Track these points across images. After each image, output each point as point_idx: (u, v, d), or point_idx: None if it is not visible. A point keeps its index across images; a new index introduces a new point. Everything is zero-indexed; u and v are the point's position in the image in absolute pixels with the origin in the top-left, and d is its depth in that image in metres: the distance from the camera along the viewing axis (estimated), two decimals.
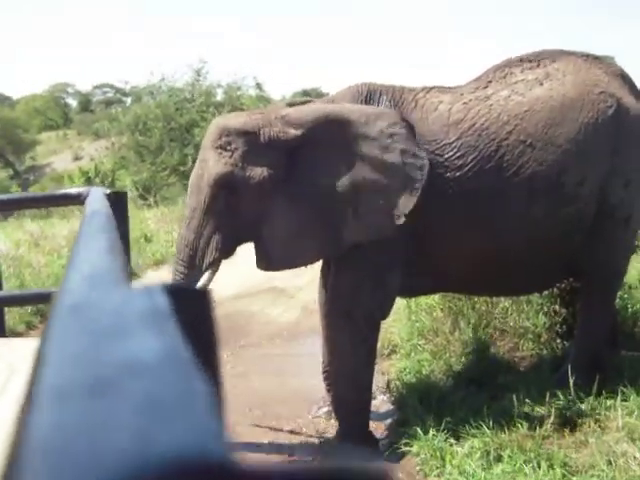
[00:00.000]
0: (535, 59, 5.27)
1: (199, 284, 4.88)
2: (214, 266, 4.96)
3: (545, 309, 6.21)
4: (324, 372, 5.69)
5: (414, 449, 4.78)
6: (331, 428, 5.41)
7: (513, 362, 6.05)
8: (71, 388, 0.36)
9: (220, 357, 0.60)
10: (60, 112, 52.94)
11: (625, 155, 5.10)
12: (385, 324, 6.35)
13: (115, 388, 0.35)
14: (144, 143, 16.42)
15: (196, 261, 4.93)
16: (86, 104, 54.53)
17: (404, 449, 4.86)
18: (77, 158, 38.70)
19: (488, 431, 4.62)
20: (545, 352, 6.06)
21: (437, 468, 4.54)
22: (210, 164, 4.86)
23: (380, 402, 5.90)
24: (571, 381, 4.94)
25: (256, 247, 4.96)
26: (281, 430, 5.45)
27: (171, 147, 15.82)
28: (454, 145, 4.92)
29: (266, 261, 4.96)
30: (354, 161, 4.78)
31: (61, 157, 41.82)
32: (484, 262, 5.05)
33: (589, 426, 4.70)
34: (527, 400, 4.98)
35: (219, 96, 17.70)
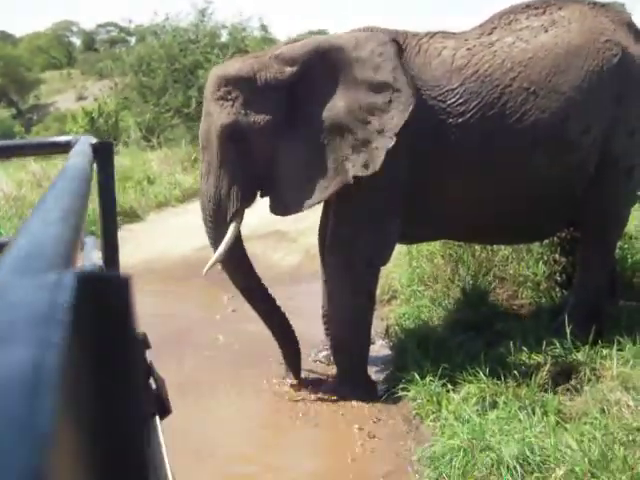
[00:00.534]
0: (541, 6, 5.19)
1: (227, 236, 4.95)
2: (238, 216, 5.00)
3: (545, 258, 6.23)
4: (324, 316, 5.74)
5: (411, 394, 4.85)
6: (330, 371, 5.47)
7: (511, 310, 6.09)
8: None
9: (137, 349, 0.55)
10: (64, 51, 52.33)
11: (630, 104, 5.05)
12: (386, 270, 6.38)
13: None
14: (147, 84, 16.26)
15: (221, 214, 4.98)
16: (90, 43, 53.85)
17: (401, 394, 4.93)
18: (81, 98, 38.33)
19: (484, 377, 4.67)
20: (544, 300, 6.10)
21: (433, 413, 4.61)
22: (214, 117, 4.86)
23: (379, 347, 5.96)
24: (568, 330, 4.98)
25: (270, 192, 4.97)
26: (280, 373, 5.51)
27: (175, 88, 15.66)
28: (457, 91, 4.88)
29: (281, 206, 4.99)
30: (349, 87, 4.75)
31: (65, 96, 41.46)
32: (484, 210, 5.05)
33: (584, 374, 4.74)
34: (524, 348, 5.02)
35: (223, 37, 17.50)
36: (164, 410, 1.19)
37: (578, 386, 4.66)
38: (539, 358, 4.93)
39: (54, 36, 53.37)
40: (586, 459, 3.69)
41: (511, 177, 4.95)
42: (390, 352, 5.84)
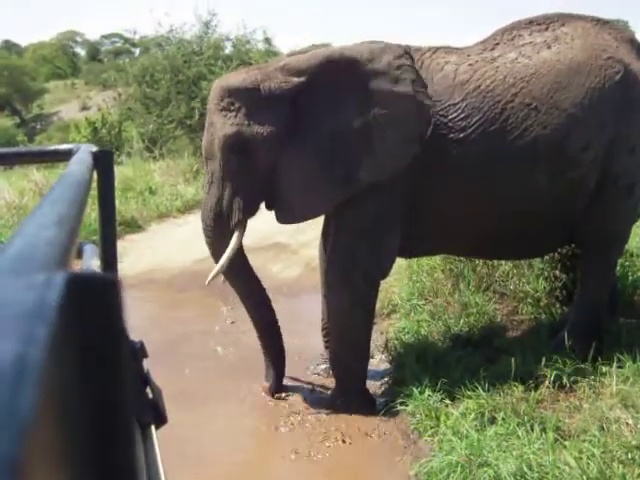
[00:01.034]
0: (544, 22, 5.20)
1: (230, 247, 4.95)
2: (240, 227, 5.00)
3: (546, 274, 6.23)
4: (323, 329, 5.73)
5: (410, 408, 4.83)
6: (328, 385, 5.46)
7: (511, 325, 6.08)
8: None
9: (126, 352, 0.55)
10: (68, 61, 52.60)
11: (631, 122, 5.05)
12: (386, 284, 6.38)
13: None
14: (151, 95, 16.31)
15: (221, 225, 4.98)
16: (94, 53, 54.14)
17: (400, 408, 4.91)
18: (84, 108, 38.50)
19: (483, 393, 4.66)
20: (544, 317, 6.09)
21: (431, 428, 4.59)
22: (218, 127, 4.87)
23: (378, 361, 5.94)
24: (568, 346, 4.97)
25: (275, 202, 4.97)
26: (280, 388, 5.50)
27: (178, 100, 15.70)
28: (458, 106, 4.89)
29: (287, 214, 4.99)
30: (363, 99, 4.75)
31: (68, 106, 41.61)
32: (484, 225, 5.05)
33: (584, 392, 4.73)
34: (523, 364, 5.01)
35: (227, 49, 17.57)
36: (160, 419, 1.18)
37: (577, 403, 4.64)
38: (538, 374, 4.91)
39: (59, 46, 53.64)
40: (584, 477, 3.68)
41: (512, 192, 4.95)
42: (389, 366, 5.83)
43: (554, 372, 4.85)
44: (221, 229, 5.00)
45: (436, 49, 5.13)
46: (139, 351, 1.23)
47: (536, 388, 4.69)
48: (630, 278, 6.35)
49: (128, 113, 18.51)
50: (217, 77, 14.03)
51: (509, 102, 4.89)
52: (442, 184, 4.89)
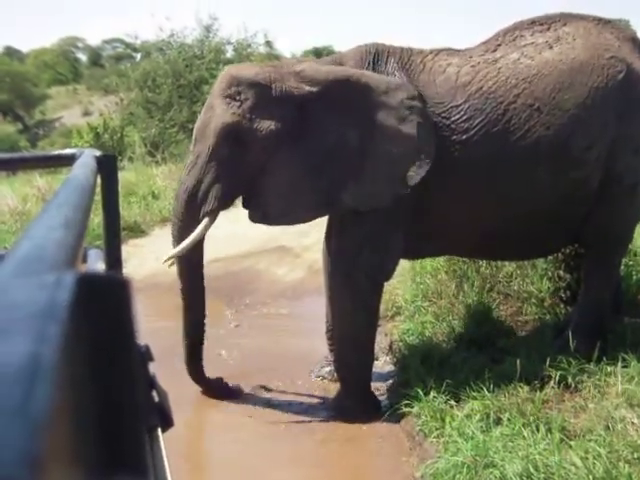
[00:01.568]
0: (546, 22, 5.20)
1: (196, 232, 4.90)
2: (212, 216, 4.96)
3: (549, 274, 6.22)
4: (327, 332, 5.73)
5: (415, 410, 4.82)
6: (333, 387, 5.46)
7: (515, 326, 6.07)
8: None
9: (136, 352, 0.55)
10: (70, 66, 52.58)
11: (635, 121, 5.05)
12: (390, 286, 6.37)
13: None
14: (153, 99, 16.32)
15: (193, 208, 4.93)
16: (96, 59, 54.15)
17: (405, 410, 4.90)
18: (87, 113, 38.50)
19: (488, 394, 4.65)
20: (548, 317, 6.08)
21: (437, 429, 4.58)
22: (217, 112, 4.85)
23: (382, 363, 5.95)
24: (572, 347, 4.96)
25: (253, 199, 4.94)
26: (284, 391, 5.50)
27: (180, 104, 15.72)
28: (461, 108, 4.89)
29: (262, 213, 4.96)
30: (368, 128, 4.77)
31: (70, 112, 41.64)
32: (487, 226, 5.05)
33: (589, 391, 4.72)
34: (528, 364, 5.00)
35: (229, 53, 17.59)
36: (167, 422, 1.18)
37: (583, 403, 4.64)
38: (543, 375, 4.90)
39: (60, 52, 53.65)
40: (590, 477, 3.67)
41: (515, 193, 4.95)
42: (393, 368, 5.83)
43: (559, 372, 4.85)
44: (192, 212, 4.93)
45: (438, 51, 5.13)
46: (145, 354, 1.24)
47: (541, 388, 4.68)
48: (634, 278, 6.34)
49: (130, 118, 18.51)
50: None
51: (511, 103, 4.89)
52: (445, 186, 4.89)
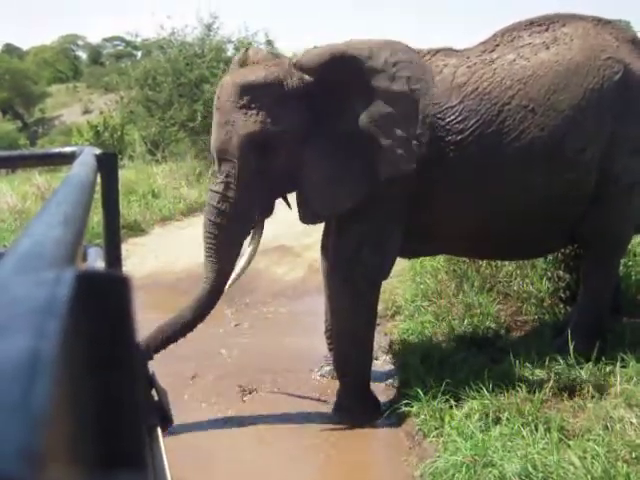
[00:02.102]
0: (544, 23, 5.19)
1: (250, 250, 4.96)
2: (260, 228, 4.98)
3: (549, 274, 6.22)
4: (327, 331, 5.73)
5: (414, 409, 4.83)
6: (333, 386, 5.46)
7: (515, 326, 6.08)
8: None
9: (136, 349, 0.55)
10: (70, 64, 52.60)
11: (632, 122, 5.04)
12: (390, 285, 6.39)
13: None
14: (153, 98, 16.27)
15: (235, 228, 4.87)
16: (96, 57, 54.19)
17: (404, 409, 4.91)
18: (87, 111, 38.53)
19: (487, 393, 4.66)
20: (547, 317, 6.08)
21: (436, 429, 4.59)
22: (239, 125, 4.72)
23: (382, 362, 5.95)
24: (571, 347, 4.97)
25: (298, 202, 4.93)
26: (284, 390, 5.51)
27: (180, 102, 15.66)
28: (456, 109, 4.89)
29: (311, 213, 4.95)
30: (367, 96, 4.73)
31: (70, 110, 41.66)
32: (482, 226, 5.05)
33: (587, 391, 4.73)
34: (527, 364, 5.01)
35: (229, 52, 17.55)
36: (166, 421, 1.19)
37: (581, 403, 4.64)
38: (542, 374, 4.91)
39: (60, 49, 53.67)
40: (589, 476, 3.68)
41: (510, 194, 4.95)
42: (393, 367, 5.84)
43: (558, 372, 4.86)
44: (233, 232, 4.87)
45: (436, 51, 5.11)
46: (144, 353, 1.24)
47: (540, 388, 4.69)
48: (633, 278, 6.35)
49: (130, 116, 18.49)
50: (219, 80, 14.06)
51: (506, 104, 4.88)
52: (440, 186, 4.89)
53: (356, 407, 5.09)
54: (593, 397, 4.65)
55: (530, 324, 6.08)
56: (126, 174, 13.37)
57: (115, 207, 1.57)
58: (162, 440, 1.16)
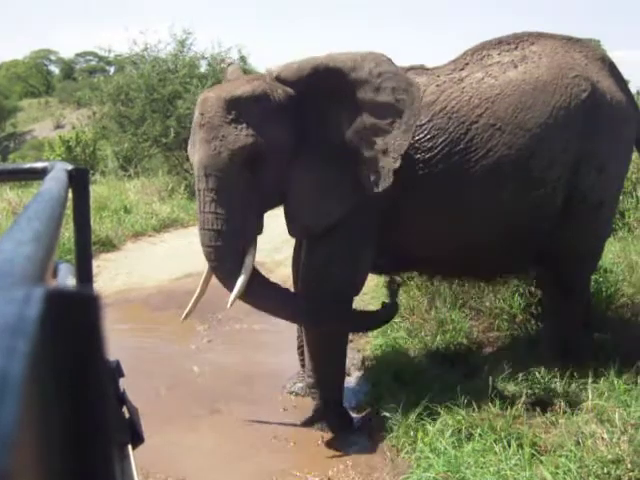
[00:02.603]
0: (514, 41, 5.24)
1: (246, 267, 4.73)
2: (253, 245, 4.81)
3: (521, 290, 6.26)
4: (299, 348, 5.71)
5: (387, 425, 4.82)
6: (305, 403, 5.44)
7: (487, 342, 6.10)
8: None
9: (106, 368, 0.55)
10: (42, 79, 52.35)
11: (599, 139, 5.09)
12: (362, 302, 6.38)
13: None
14: (126, 113, 16.22)
15: (230, 245, 4.72)
16: (68, 72, 53.90)
17: (377, 425, 4.90)
18: (59, 126, 38.33)
19: (460, 409, 4.66)
20: (519, 333, 6.12)
21: (409, 445, 4.59)
22: (229, 140, 4.62)
23: (355, 378, 5.94)
24: (543, 362, 4.99)
25: (287, 217, 4.88)
26: (255, 407, 5.48)
27: (153, 118, 15.61)
28: (425, 127, 4.91)
29: (301, 227, 4.89)
30: (352, 108, 4.69)
31: (42, 125, 41.41)
32: (451, 245, 5.06)
33: (559, 407, 4.75)
34: (500, 380, 5.03)
35: (203, 68, 17.54)
36: (137, 439, 1.18)
37: (553, 419, 4.66)
38: (515, 390, 4.93)
39: (32, 64, 53.37)
40: None
41: (478, 212, 4.98)
42: (366, 384, 5.82)
43: (530, 388, 4.88)
44: (229, 249, 4.73)
45: (406, 70, 5.10)
46: (115, 370, 1.23)
47: (512, 404, 4.69)
48: (604, 294, 6.40)
49: (103, 131, 18.42)
50: (192, 95, 14.08)
51: (474, 123, 4.92)
52: (409, 204, 4.89)
53: (329, 423, 5.07)
54: (565, 412, 4.67)
55: (502, 340, 6.11)
56: (98, 190, 13.30)
57: (86, 223, 1.56)
58: (133, 458, 1.14)
